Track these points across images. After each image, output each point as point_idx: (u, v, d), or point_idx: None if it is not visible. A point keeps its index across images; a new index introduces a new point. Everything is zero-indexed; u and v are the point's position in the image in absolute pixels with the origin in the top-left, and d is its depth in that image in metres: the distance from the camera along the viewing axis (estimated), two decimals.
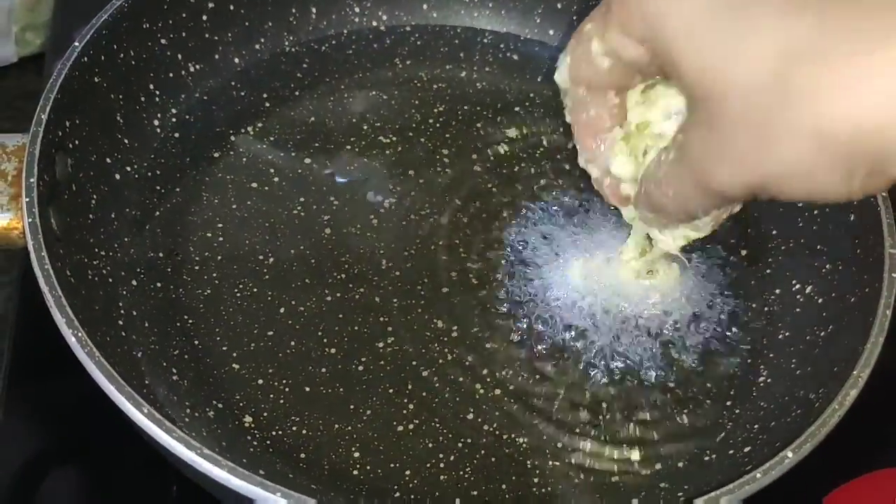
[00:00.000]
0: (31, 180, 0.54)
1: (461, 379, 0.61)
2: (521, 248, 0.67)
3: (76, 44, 0.62)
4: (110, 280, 0.61)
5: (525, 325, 0.63)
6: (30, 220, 0.53)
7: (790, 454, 0.49)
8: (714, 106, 0.42)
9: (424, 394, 0.60)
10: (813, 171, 0.40)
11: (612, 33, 0.47)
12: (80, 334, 0.49)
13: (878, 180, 0.40)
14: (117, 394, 0.48)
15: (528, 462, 0.57)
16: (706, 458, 0.59)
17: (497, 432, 0.58)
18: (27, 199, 0.54)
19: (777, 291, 0.67)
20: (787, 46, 0.39)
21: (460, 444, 0.58)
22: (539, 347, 0.62)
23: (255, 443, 0.57)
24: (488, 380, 0.61)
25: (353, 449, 0.57)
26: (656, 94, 0.52)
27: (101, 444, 0.64)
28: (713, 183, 0.44)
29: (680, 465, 0.58)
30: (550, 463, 0.57)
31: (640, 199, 0.53)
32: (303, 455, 0.56)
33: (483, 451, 0.58)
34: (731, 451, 0.58)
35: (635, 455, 0.58)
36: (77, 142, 0.61)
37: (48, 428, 0.68)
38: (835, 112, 0.38)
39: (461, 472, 0.57)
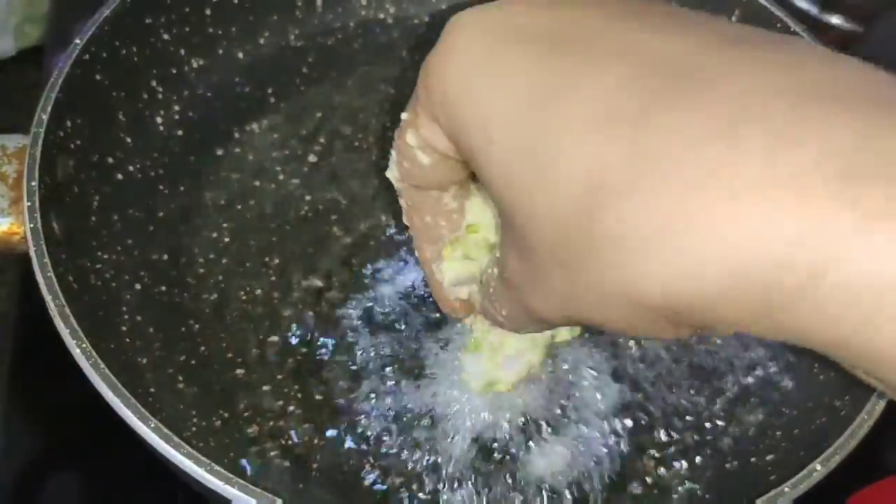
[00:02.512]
0: (33, 184, 0.53)
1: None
2: None
3: (77, 41, 0.60)
4: (113, 284, 0.59)
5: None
6: (31, 225, 0.51)
7: (818, 467, 0.48)
8: (521, 231, 0.35)
9: (437, 402, 0.58)
10: (629, 322, 0.33)
11: (423, 123, 0.40)
12: (84, 345, 0.47)
13: (713, 329, 0.34)
14: (123, 407, 0.46)
15: (548, 472, 0.56)
16: (728, 466, 0.57)
17: (509, 435, 0.57)
18: (28, 204, 0.52)
19: None
20: (592, 178, 0.31)
21: (474, 455, 0.56)
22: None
23: (263, 452, 0.55)
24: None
25: (366, 459, 0.55)
26: None
27: (104, 448, 0.63)
28: (534, 312, 0.38)
29: (698, 474, 0.57)
30: (573, 470, 0.56)
31: (481, 311, 0.47)
32: (315, 465, 0.55)
33: (497, 457, 0.56)
34: (753, 459, 0.57)
35: (655, 461, 0.57)
36: (78, 142, 0.59)
37: (50, 430, 0.66)
38: (643, 270, 0.31)
39: (479, 487, 0.55)
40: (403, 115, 0.42)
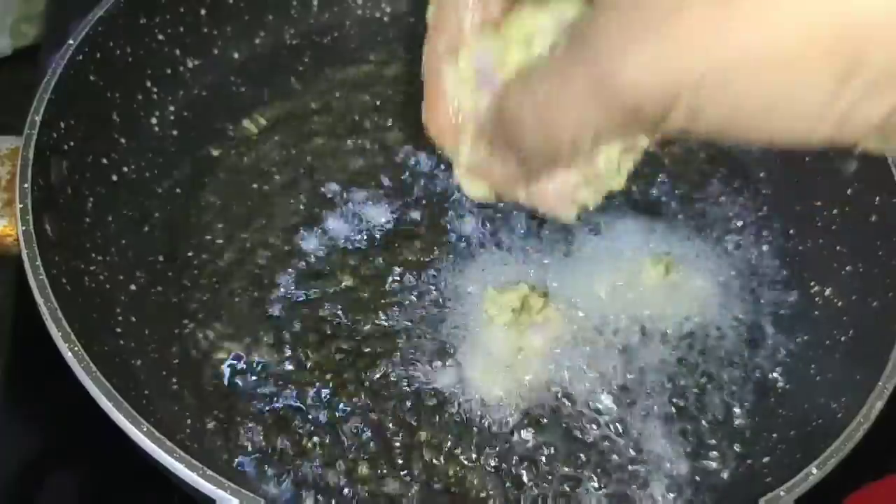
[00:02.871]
0: (25, 185, 0.52)
1: (468, 398, 0.59)
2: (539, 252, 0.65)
3: (70, 41, 0.59)
4: (108, 286, 0.59)
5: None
6: (23, 227, 0.51)
7: (815, 470, 0.47)
8: None
9: (428, 405, 0.58)
10: (790, 62, 0.27)
11: None
12: (76, 348, 0.47)
13: (878, 103, 0.28)
14: (114, 410, 0.46)
15: (542, 471, 0.56)
16: (724, 468, 0.57)
17: (503, 437, 0.57)
18: (21, 206, 0.52)
19: (794, 293, 0.65)
20: None
21: (468, 459, 0.56)
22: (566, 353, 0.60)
23: (256, 455, 0.55)
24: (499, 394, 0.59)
25: (360, 462, 0.55)
26: None
27: (102, 447, 0.62)
28: (622, 79, 0.30)
29: (696, 476, 0.57)
30: (574, 485, 0.56)
31: (492, 127, 0.39)
32: (310, 468, 0.55)
33: (496, 456, 0.56)
34: (749, 461, 0.57)
35: (649, 465, 0.57)
36: (72, 143, 0.59)
37: (47, 430, 0.66)
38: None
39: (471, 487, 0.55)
40: None
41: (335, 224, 0.66)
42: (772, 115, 0.28)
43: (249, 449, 0.56)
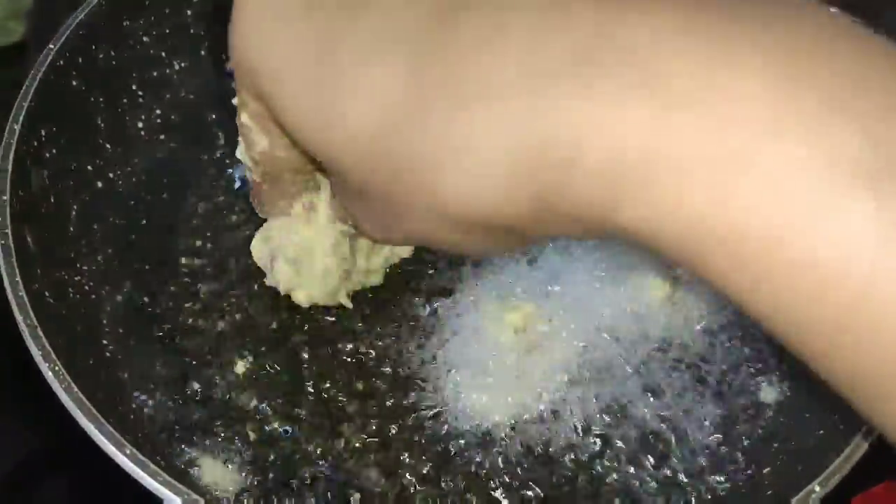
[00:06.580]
0: (4, 198, 0.51)
1: (468, 404, 0.57)
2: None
3: (51, 46, 0.58)
4: (93, 297, 0.58)
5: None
6: (2, 242, 0.50)
7: (817, 488, 0.46)
8: (335, 172, 0.37)
9: (428, 412, 0.57)
10: (453, 240, 0.34)
11: (245, 99, 0.42)
12: (56, 368, 0.46)
13: (539, 233, 0.33)
14: (97, 433, 0.45)
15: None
16: (721, 480, 0.56)
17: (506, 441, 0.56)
18: None
19: None
20: (383, 107, 0.32)
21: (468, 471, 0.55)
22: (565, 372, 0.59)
23: (249, 469, 0.54)
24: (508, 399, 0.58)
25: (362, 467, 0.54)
26: None
27: (91, 452, 0.62)
28: (370, 237, 0.41)
29: (694, 488, 0.55)
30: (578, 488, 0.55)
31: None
32: (305, 480, 0.54)
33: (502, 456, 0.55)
34: (748, 472, 0.56)
35: (646, 476, 0.56)
36: (54, 150, 0.58)
37: (36, 432, 0.65)
38: (443, 188, 0.31)
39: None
40: (234, 100, 0.43)
41: None
42: (483, 253, 0.41)
43: (241, 463, 0.54)
